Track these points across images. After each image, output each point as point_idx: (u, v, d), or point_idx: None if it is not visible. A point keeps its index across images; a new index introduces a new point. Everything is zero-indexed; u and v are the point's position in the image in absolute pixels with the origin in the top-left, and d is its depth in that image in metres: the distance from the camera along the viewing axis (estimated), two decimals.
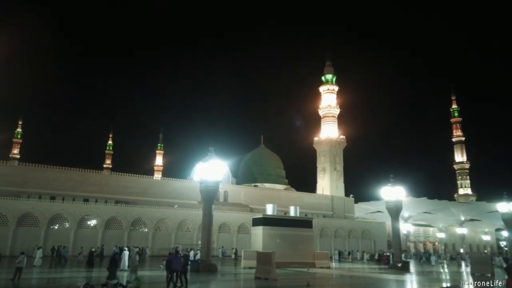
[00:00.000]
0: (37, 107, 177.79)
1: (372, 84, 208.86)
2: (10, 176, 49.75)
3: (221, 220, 55.67)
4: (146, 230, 51.42)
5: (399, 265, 34.26)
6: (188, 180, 65.71)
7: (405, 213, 74.68)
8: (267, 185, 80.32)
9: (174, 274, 17.84)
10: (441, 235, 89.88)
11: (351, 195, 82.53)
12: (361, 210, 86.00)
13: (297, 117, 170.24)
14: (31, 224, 44.94)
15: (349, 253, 58.03)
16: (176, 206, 56.03)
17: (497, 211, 55.36)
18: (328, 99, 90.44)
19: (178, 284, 17.86)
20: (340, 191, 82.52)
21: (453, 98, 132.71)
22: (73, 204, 48.33)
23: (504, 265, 36.98)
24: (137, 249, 35.98)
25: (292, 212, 38.43)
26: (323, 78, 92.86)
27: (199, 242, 38.84)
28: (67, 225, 46.87)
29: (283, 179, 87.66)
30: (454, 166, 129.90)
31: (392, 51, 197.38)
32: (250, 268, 28.52)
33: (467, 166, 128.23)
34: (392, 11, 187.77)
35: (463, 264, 48.49)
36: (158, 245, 50.74)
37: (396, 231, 37.08)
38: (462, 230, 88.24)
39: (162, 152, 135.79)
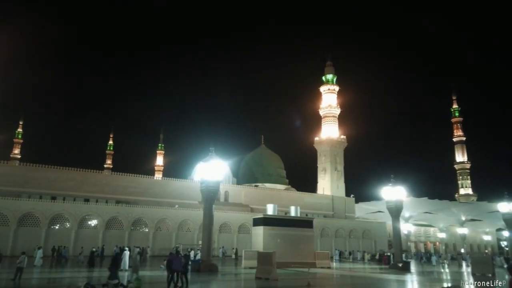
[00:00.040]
0: (38, 107, 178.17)
1: (372, 84, 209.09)
2: (11, 176, 49.84)
3: (221, 220, 55.68)
4: (147, 230, 51.45)
5: (400, 265, 34.25)
6: (188, 180, 65.71)
7: (405, 213, 74.65)
8: (267, 185, 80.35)
9: (175, 274, 17.84)
10: (442, 235, 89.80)
11: (352, 195, 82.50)
12: (362, 210, 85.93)
13: (297, 117, 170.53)
14: (32, 224, 45.00)
15: (349, 253, 57.94)
16: (176, 206, 56.04)
17: (498, 211, 55.42)
18: (329, 99, 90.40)
19: (179, 284, 17.85)
20: (341, 191, 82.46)
21: (454, 98, 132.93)
22: (73, 204, 48.39)
23: (505, 265, 36.97)
24: (138, 249, 35.98)
25: (293, 212, 38.42)
26: (323, 78, 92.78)
27: (200, 242, 38.81)
28: (67, 225, 46.92)
29: (284, 179, 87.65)
30: (455, 166, 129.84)
31: (392, 51, 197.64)
32: (250, 268, 28.56)
33: (468, 166, 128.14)
34: (392, 11, 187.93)
35: (464, 264, 48.47)
36: (159, 245, 50.77)
37: (396, 231, 37.05)
38: (463, 230, 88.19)
39: (163, 152, 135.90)
